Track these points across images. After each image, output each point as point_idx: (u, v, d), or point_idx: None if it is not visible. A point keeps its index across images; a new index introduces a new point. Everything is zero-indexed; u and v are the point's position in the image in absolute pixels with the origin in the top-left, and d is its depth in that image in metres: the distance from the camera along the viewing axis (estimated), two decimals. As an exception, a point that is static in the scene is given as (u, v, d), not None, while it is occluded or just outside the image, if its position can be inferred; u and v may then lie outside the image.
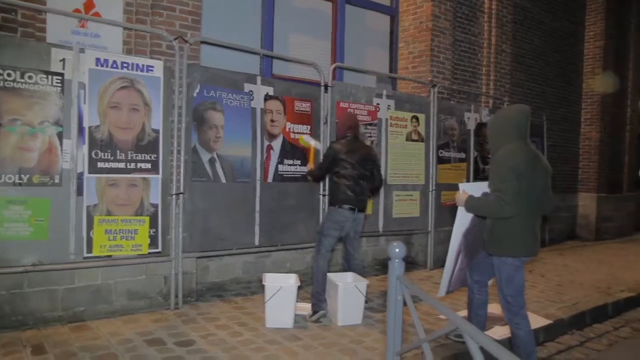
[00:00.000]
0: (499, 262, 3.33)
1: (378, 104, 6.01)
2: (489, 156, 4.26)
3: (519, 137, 3.29)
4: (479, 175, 7.09)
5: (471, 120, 7.07)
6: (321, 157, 4.93)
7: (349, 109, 5.67)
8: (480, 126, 7.15)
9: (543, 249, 8.23)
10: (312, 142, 4.95)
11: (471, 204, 3.39)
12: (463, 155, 7.01)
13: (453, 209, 3.76)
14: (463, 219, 3.66)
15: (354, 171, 4.34)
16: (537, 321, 4.34)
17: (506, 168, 3.15)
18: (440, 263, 6.25)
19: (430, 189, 6.50)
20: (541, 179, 3.28)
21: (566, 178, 9.83)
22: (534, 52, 8.94)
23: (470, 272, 3.77)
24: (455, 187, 3.66)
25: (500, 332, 4.05)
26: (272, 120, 5.12)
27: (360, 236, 4.95)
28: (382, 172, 5.98)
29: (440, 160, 6.67)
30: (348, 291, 4.17)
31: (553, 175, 3.42)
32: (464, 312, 4.03)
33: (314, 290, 4.31)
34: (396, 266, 2.50)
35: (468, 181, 6.87)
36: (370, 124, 5.91)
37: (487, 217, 3.38)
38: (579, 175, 10.21)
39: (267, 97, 5.10)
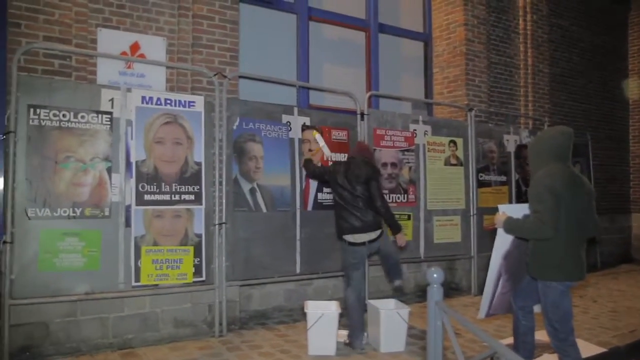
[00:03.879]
0: (543, 287, 3.25)
1: (415, 129, 6.03)
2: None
3: (558, 159, 3.25)
4: (522, 198, 6.93)
5: (510, 142, 6.97)
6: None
7: (385, 136, 5.73)
8: (521, 148, 7.04)
9: (595, 273, 7.90)
10: (321, 144, 4.90)
11: (509, 224, 3.34)
12: (504, 178, 6.90)
13: (495, 232, 3.71)
14: (503, 241, 3.59)
15: (348, 194, 4.23)
16: (589, 349, 4.16)
17: (544, 189, 3.11)
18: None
19: (472, 213, 6.41)
20: (583, 201, 3.20)
21: (615, 198, 9.43)
22: (573, 71, 8.78)
23: (514, 297, 3.68)
24: (497, 211, 3.61)
25: (549, 360, 3.92)
26: (310, 150, 5.22)
27: (401, 262, 4.88)
28: (421, 196, 5.97)
29: (481, 184, 6.59)
30: (390, 318, 4.14)
31: (600, 195, 3.33)
32: (510, 339, 3.92)
33: (348, 324, 4.26)
34: (435, 291, 2.50)
35: (510, 204, 6.74)
36: (408, 150, 5.93)
37: (527, 238, 3.33)
38: (631, 195, 9.78)
39: (305, 127, 5.22)
